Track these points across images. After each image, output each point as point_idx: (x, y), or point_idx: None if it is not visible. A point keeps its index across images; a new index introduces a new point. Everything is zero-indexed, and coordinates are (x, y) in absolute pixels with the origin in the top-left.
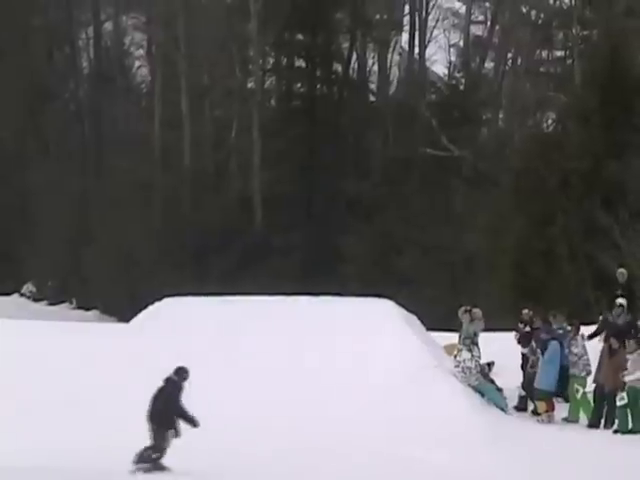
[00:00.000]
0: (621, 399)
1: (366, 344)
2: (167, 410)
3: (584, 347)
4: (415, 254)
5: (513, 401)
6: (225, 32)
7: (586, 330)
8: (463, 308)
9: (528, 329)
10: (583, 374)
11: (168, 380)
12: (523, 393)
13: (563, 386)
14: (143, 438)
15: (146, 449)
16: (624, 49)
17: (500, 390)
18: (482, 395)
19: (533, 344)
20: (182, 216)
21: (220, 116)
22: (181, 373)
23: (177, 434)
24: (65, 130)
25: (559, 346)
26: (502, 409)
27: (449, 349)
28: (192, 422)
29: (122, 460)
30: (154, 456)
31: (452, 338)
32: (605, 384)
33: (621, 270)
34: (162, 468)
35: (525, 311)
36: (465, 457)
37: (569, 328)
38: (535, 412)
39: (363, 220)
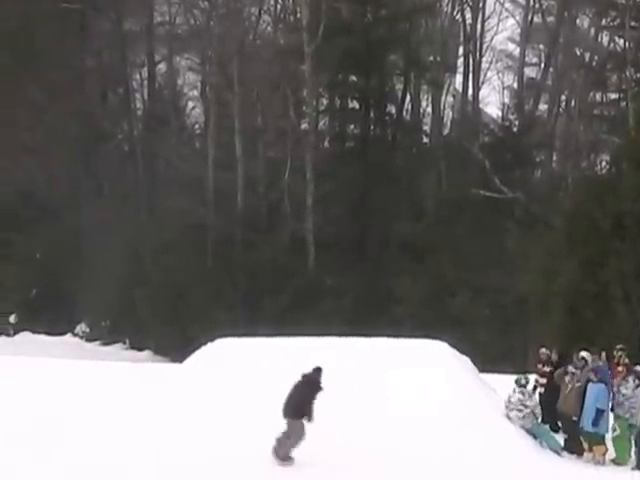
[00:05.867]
0: None
1: (420, 386)
2: (302, 406)
3: (635, 389)
4: (467, 296)
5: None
6: (279, 73)
7: None
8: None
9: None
10: (627, 415)
11: (306, 378)
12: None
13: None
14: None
15: (284, 439)
16: None
17: (556, 431)
18: (535, 437)
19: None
20: (235, 257)
21: (273, 157)
22: (319, 372)
23: (310, 420)
24: (118, 171)
25: (605, 387)
26: (556, 452)
27: None
28: (309, 417)
29: None
30: (294, 446)
31: (505, 380)
32: None
33: None
34: (290, 459)
35: (543, 350)
36: None
37: (620, 369)
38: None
39: (416, 261)
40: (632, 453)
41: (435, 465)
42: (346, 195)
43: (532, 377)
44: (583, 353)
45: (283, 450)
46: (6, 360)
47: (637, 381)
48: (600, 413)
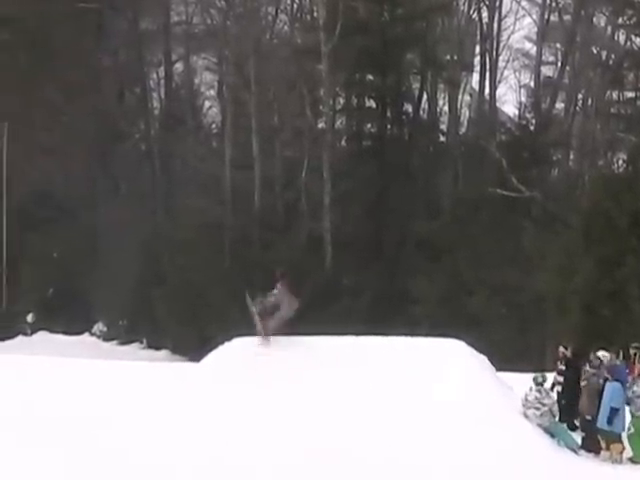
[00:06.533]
0: None
1: (437, 385)
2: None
3: None
4: (484, 294)
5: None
6: (296, 72)
7: None
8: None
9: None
10: (639, 413)
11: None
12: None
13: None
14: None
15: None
16: None
17: (574, 430)
18: (552, 436)
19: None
20: (252, 257)
21: (290, 156)
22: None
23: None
24: (135, 170)
25: (620, 386)
26: (573, 450)
27: None
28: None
29: None
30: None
31: (522, 379)
32: None
33: None
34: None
35: (561, 348)
36: None
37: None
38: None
39: (432, 260)
40: None
41: (452, 463)
42: (363, 194)
43: (550, 375)
44: (600, 352)
45: (269, 324)
46: (24, 359)
47: None
48: (614, 412)
